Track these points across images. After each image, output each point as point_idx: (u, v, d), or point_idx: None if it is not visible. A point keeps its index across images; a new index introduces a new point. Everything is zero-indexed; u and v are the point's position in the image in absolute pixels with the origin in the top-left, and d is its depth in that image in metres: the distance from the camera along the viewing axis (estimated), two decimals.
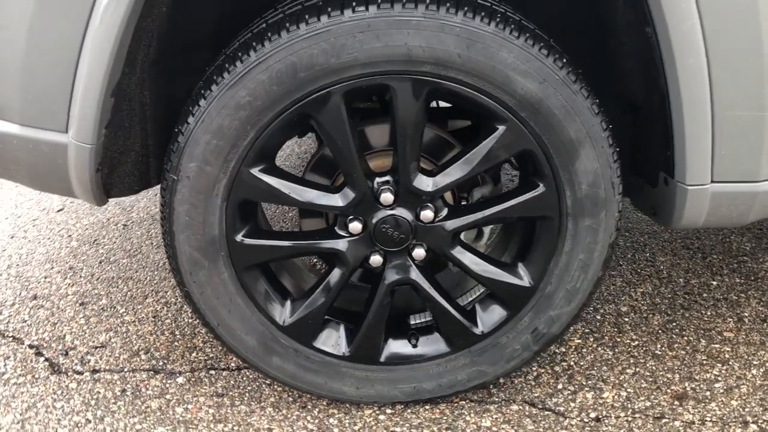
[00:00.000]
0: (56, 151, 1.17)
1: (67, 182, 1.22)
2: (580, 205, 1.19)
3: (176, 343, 1.54)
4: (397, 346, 1.33)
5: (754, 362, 1.43)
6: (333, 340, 1.32)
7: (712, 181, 1.20)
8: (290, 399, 1.38)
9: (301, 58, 1.06)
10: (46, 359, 1.50)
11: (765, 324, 1.56)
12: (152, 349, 1.52)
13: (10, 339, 1.56)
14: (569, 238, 1.22)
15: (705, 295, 1.68)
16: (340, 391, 1.32)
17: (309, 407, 1.35)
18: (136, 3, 1.02)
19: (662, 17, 1.05)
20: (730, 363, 1.44)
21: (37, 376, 1.45)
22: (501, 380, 1.38)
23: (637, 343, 1.51)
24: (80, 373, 1.46)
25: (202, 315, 1.26)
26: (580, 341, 1.52)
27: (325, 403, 1.36)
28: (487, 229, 1.37)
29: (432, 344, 1.33)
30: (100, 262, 1.88)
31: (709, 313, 1.61)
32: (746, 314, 1.60)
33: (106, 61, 1.06)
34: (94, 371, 1.46)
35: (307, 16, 1.05)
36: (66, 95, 1.11)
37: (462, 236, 1.29)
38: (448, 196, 1.29)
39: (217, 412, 1.35)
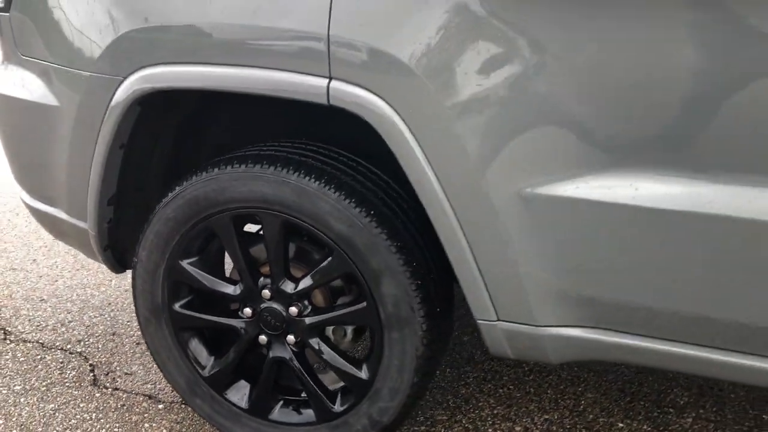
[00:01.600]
0: (84, 234, 1.85)
1: (94, 255, 1.89)
2: (389, 321, 1.56)
3: None
4: (284, 409, 1.78)
5: None
6: (240, 394, 1.80)
7: (498, 319, 1.50)
8: None
9: (203, 193, 1.62)
10: (94, 375, 2.17)
11: None
12: (158, 381, 2.12)
13: (80, 356, 2.27)
14: (386, 345, 1.58)
15: None
16: None
17: None
18: (111, 149, 1.66)
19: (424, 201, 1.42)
20: None
21: (82, 384, 2.12)
22: None
23: None
24: (107, 388, 2.10)
25: (153, 357, 1.83)
26: None
27: None
28: (349, 329, 1.76)
29: (306, 413, 1.75)
30: None
31: None
32: None
33: (98, 182, 1.71)
34: (115, 389, 2.10)
35: (208, 167, 1.62)
36: (85, 199, 1.78)
37: (328, 330, 1.72)
38: (318, 298, 1.72)
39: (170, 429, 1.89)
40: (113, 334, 2.40)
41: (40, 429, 1.93)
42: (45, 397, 2.06)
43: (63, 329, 2.44)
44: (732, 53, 1.16)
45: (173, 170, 1.84)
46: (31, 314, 2.54)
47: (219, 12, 1.45)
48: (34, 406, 2.02)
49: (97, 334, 2.40)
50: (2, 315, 2.54)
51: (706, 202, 1.24)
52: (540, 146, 1.31)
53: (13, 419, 1.97)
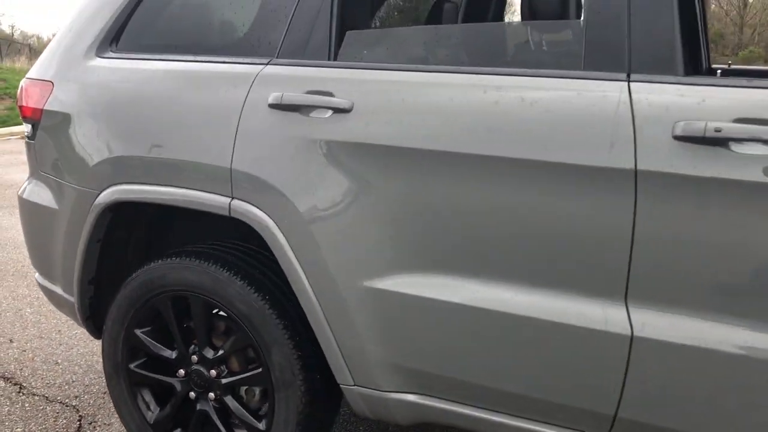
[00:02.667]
0: (73, 306, 2.40)
1: (80, 324, 2.44)
2: (278, 383, 2.02)
3: None
4: None
5: None
6: None
7: (355, 384, 1.95)
8: None
9: (150, 278, 2.15)
10: (80, 424, 2.68)
11: None
12: None
13: (74, 408, 2.79)
14: (277, 402, 2.04)
15: None
16: None
17: None
18: (89, 242, 2.23)
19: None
20: None
21: (69, 430, 2.63)
22: None
23: None
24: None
25: (114, 405, 2.33)
26: None
27: None
28: (257, 390, 2.21)
29: None
30: None
31: None
32: None
33: (80, 267, 2.27)
34: None
35: (154, 259, 2.16)
36: (72, 279, 2.34)
37: (241, 390, 2.18)
38: (234, 364, 2.19)
39: None
40: (104, 393, 2.91)
41: None
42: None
43: (66, 387, 2.97)
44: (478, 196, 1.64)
45: (149, 259, 2.39)
46: (44, 374, 3.09)
47: (158, 149, 2.02)
48: None
49: (92, 392, 2.92)
50: (22, 373, 3.10)
51: (476, 297, 1.69)
52: (368, 251, 1.80)
53: None
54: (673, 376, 1.54)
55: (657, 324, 1.54)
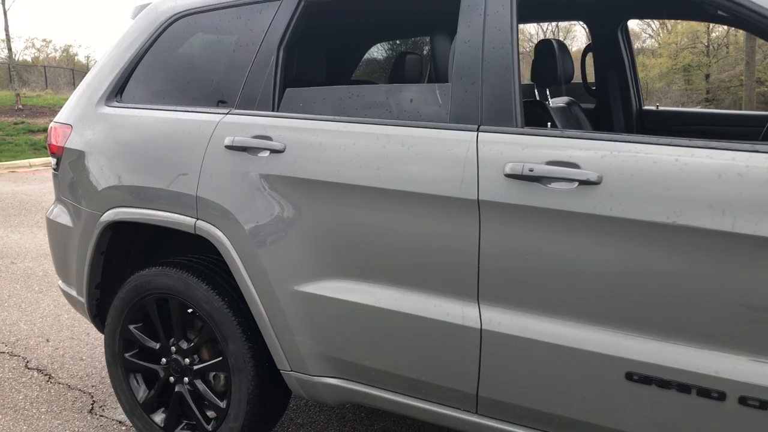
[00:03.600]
0: (83, 306, 2.95)
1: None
2: (233, 369, 2.50)
3: None
4: (183, 429, 2.73)
5: None
6: (160, 417, 2.78)
7: (291, 370, 2.42)
8: None
9: (139, 283, 2.68)
10: (92, 406, 3.22)
11: None
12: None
13: (89, 395, 3.34)
14: (233, 385, 2.52)
15: None
16: None
17: None
18: (94, 254, 2.77)
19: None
20: None
21: (82, 411, 3.17)
22: None
23: None
24: (95, 414, 3.14)
25: (113, 388, 2.86)
26: None
27: None
28: (222, 375, 2.69)
29: (198, 429, 2.70)
30: None
31: None
32: None
33: (88, 274, 2.82)
34: (101, 416, 3.13)
35: (144, 268, 2.69)
36: (83, 284, 2.90)
37: (210, 375, 2.68)
38: (205, 354, 2.69)
39: None
40: None
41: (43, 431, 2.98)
42: (57, 417, 3.12)
43: (86, 378, 3.53)
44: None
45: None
46: (70, 367, 3.66)
47: (144, 179, 2.56)
48: (49, 421, 3.08)
49: (106, 383, 3.47)
50: (52, 366, 3.68)
51: (374, 299, 2.15)
52: (298, 262, 2.28)
53: (34, 426, 3.04)
54: (514, 361, 1.96)
55: (500, 320, 1.97)
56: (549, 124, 2.63)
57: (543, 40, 2.97)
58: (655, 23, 40.53)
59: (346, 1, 2.70)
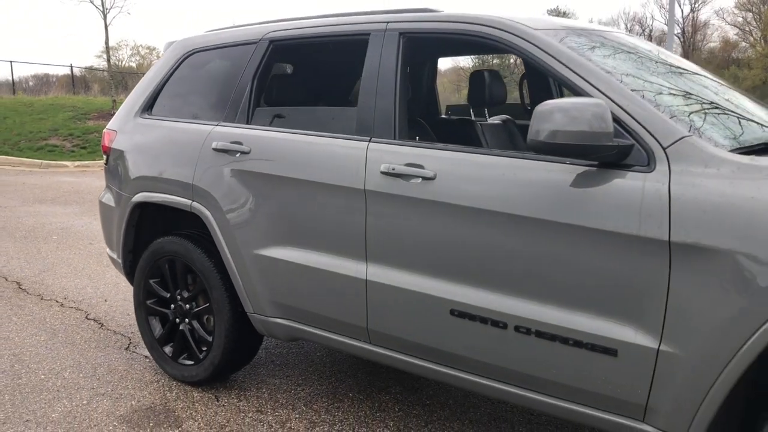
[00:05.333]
0: (120, 266, 3.95)
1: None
2: (216, 311, 3.42)
3: None
4: (184, 358, 3.68)
5: None
6: (170, 348, 3.74)
7: (253, 312, 3.33)
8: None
9: (155, 248, 3.63)
10: (128, 346, 4.23)
11: None
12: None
13: (128, 338, 4.35)
14: (216, 323, 3.44)
15: None
16: (170, 373, 3.70)
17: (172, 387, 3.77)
18: (127, 227, 3.76)
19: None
20: None
21: (120, 348, 4.18)
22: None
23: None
24: (129, 350, 4.14)
25: (138, 327, 3.85)
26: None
27: (175, 384, 3.76)
28: (211, 317, 3.62)
29: (192, 361, 3.64)
30: None
31: None
32: None
33: (122, 242, 3.81)
34: (134, 352, 4.13)
35: (160, 237, 3.66)
36: (119, 251, 3.89)
37: (204, 318, 3.61)
38: (201, 301, 3.62)
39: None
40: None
41: (93, 364, 3.99)
42: (102, 351, 4.14)
43: (128, 327, 4.54)
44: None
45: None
46: (119, 319, 4.69)
47: (158, 171, 3.53)
48: (95, 353, 4.09)
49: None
50: (105, 318, 4.72)
51: (304, 258, 3.02)
52: (257, 232, 3.18)
53: (85, 356, 4.06)
54: (385, 302, 2.79)
55: (378, 273, 2.79)
56: (417, 137, 3.42)
57: (476, 71, 3.76)
58: (756, 34, 39.49)
59: (300, 48, 3.57)
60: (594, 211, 2.23)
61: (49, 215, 8.70)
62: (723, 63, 46.36)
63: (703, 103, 2.55)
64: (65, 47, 75.77)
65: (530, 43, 2.53)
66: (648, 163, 2.19)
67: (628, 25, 57.59)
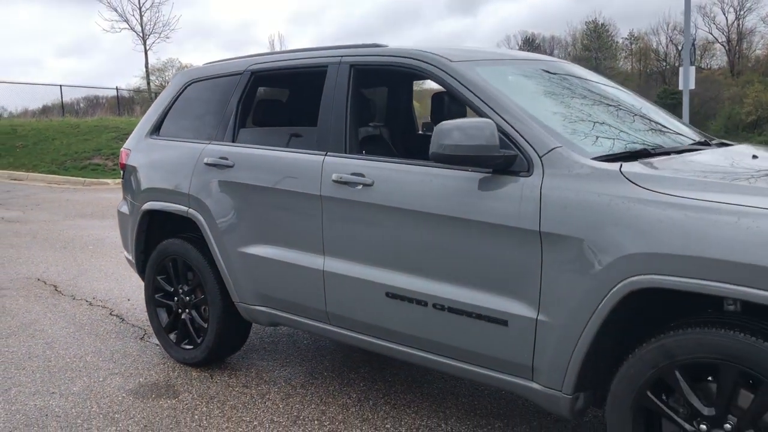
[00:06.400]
0: (133, 265, 4.60)
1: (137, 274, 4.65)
2: (210, 301, 4.03)
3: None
4: (186, 343, 4.29)
5: None
6: (174, 335, 4.35)
7: (239, 301, 3.93)
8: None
9: (161, 249, 4.27)
10: (143, 336, 4.87)
11: None
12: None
13: (143, 330, 4.99)
14: (210, 311, 4.05)
15: None
16: (174, 356, 4.32)
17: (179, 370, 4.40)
18: (139, 231, 4.41)
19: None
20: None
21: (136, 338, 4.83)
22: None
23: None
24: (143, 340, 4.78)
25: (148, 318, 4.48)
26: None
27: (176, 365, 4.38)
28: (207, 308, 4.22)
29: (192, 345, 4.25)
30: None
31: None
32: None
33: (135, 242, 4.46)
34: (148, 341, 4.77)
35: (163, 241, 4.30)
36: (133, 251, 4.54)
37: (202, 308, 4.22)
38: (199, 293, 4.23)
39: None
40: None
41: (111, 350, 4.63)
42: (121, 340, 4.78)
43: (145, 321, 5.18)
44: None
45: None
46: (138, 315, 5.34)
47: (161, 183, 4.17)
48: (114, 342, 4.74)
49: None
50: (126, 314, 5.38)
51: (275, 254, 3.62)
52: (240, 233, 3.79)
53: (105, 344, 4.71)
54: (337, 288, 3.35)
55: (332, 264, 3.36)
56: (363, 151, 3.98)
57: (436, 93, 4.32)
58: None
59: (276, 77, 4.15)
60: (488, 208, 2.77)
61: (87, 228, 9.50)
62: None
63: (588, 119, 3.07)
64: (116, 69, 78.67)
65: (446, 73, 3.08)
66: (528, 169, 2.72)
67: (670, 35, 57.25)
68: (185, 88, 4.40)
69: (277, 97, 4.25)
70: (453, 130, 2.73)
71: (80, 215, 10.72)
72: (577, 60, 64.70)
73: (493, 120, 2.78)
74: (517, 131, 2.79)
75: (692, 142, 3.27)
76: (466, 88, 2.99)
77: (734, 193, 2.32)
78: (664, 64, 60.35)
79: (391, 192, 3.10)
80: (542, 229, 2.61)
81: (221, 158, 3.87)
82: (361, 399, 3.72)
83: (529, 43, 69.53)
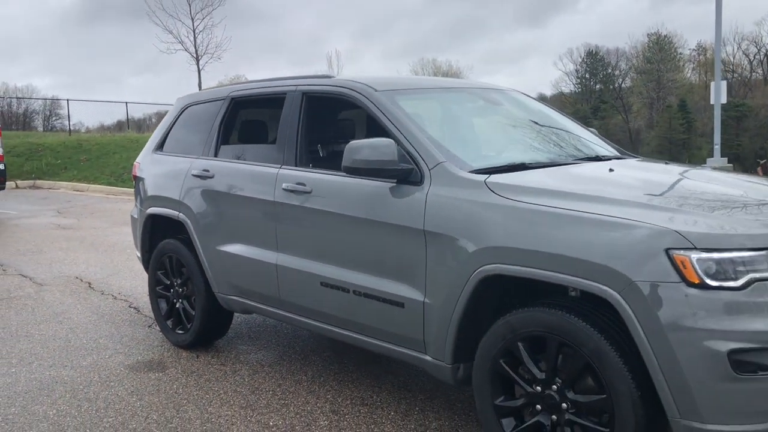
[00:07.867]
0: (140, 261, 5.38)
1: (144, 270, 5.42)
2: (197, 293, 4.76)
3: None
4: (180, 328, 5.03)
5: None
6: (171, 321, 5.08)
7: (219, 292, 4.64)
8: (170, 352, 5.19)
9: (161, 248, 5.03)
10: (150, 324, 5.64)
11: None
12: None
13: (152, 319, 5.77)
14: (196, 301, 4.78)
15: None
16: (171, 340, 5.06)
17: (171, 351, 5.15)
18: (143, 232, 5.18)
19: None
20: None
21: (144, 326, 5.60)
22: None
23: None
24: (151, 327, 5.55)
25: (151, 306, 5.24)
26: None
27: (172, 349, 5.12)
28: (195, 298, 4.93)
29: (184, 330, 4.99)
30: None
31: None
32: None
33: (141, 241, 5.24)
34: (154, 328, 5.54)
35: (162, 240, 5.05)
36: (140, 250, 5.32)
37: (193, 299, 4.95)
38: (190, 287, 4.96)
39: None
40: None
41: (122, 334, 5.41)
42: (132, 328, 5.55)
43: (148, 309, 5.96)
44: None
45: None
46: (148, 306, 6.13)
47: (159, 191, 4.94)
48: (126, 329, 5.51)
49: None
50: (141, 306, 6.15)
51: (246, 251, 4.32)
52: (218, 233, 4.50)
53: (119, 330, 5.49)
54: (285, 278, 4.02)
55: (283, 259, 4.03)
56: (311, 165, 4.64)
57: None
58: None
59: (249, 103, 4.84)
60: (391, 211, 3.39)
61: (129, 234, 10.42)
62: None
63: (491, 139, 3.67)
64: (187, 86, 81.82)
65: (368, 99, 3.73)
66: (421, 180, 3.33)
67: (741, 44, 55.85)
68: (183, 110, 5.16)
69: (251, 119, 4.97)
70: (361, 148, 3.37)
71: (126, 223, 11.70)
72: (640, 72, 63.86)
73: (397, 139, 3.40)
74: (414, 148, 3.40)
75: (584, 156, 3.81)
76: (381, 112, 3.63)
77: (564, 199, 2.89)
78: (731, 75, 59.06)
79: (324, 198, 3.75)
80: (426, 228, 3.21)
81: (204, 170, 4.59)
82: (314, 376, 4.37)
83: (592, 56, 68.93)
